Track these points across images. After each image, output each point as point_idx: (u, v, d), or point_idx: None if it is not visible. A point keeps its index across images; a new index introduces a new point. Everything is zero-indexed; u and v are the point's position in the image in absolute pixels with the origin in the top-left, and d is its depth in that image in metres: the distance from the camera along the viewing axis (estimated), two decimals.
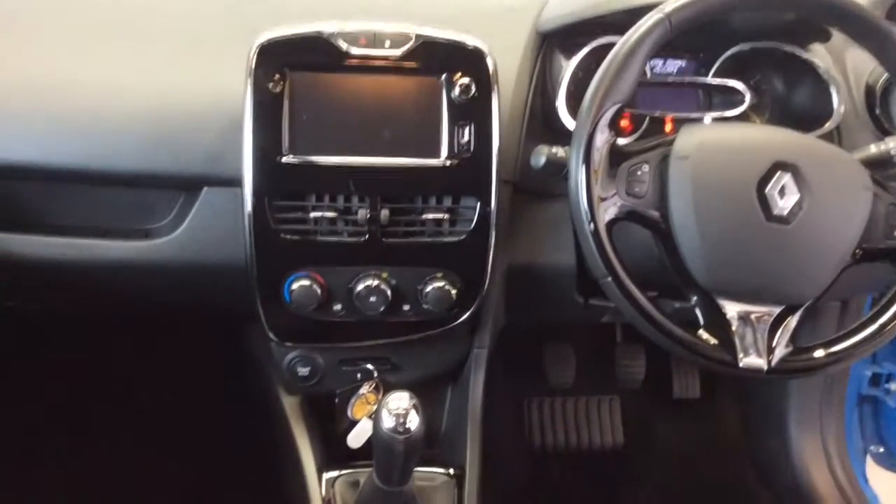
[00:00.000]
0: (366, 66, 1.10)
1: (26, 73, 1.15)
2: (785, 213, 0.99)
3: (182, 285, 1.25)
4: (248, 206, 1.09)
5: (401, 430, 0.96)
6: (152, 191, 1.18)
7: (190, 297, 1.30)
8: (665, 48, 1.04)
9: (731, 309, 1.00)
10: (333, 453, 1.28)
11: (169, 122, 1.13)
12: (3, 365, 1.72)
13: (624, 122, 1.25)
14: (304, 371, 1.26)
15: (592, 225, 0.99)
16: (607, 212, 1.00)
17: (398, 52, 1.10)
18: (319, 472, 1.23)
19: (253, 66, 1.07)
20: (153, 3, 1.25)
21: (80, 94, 1.14)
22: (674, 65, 1.32)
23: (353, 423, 1.25)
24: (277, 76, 1.07)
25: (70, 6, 1.23)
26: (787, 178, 0.99)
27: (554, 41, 1.26)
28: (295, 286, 1.13)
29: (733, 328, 1.00)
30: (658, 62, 1.31)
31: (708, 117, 1.27)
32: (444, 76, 1.11)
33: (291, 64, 1.08)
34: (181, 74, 1.16)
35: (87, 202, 1.18)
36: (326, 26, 1.09)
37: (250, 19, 1.19)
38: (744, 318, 1.00)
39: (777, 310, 1.01)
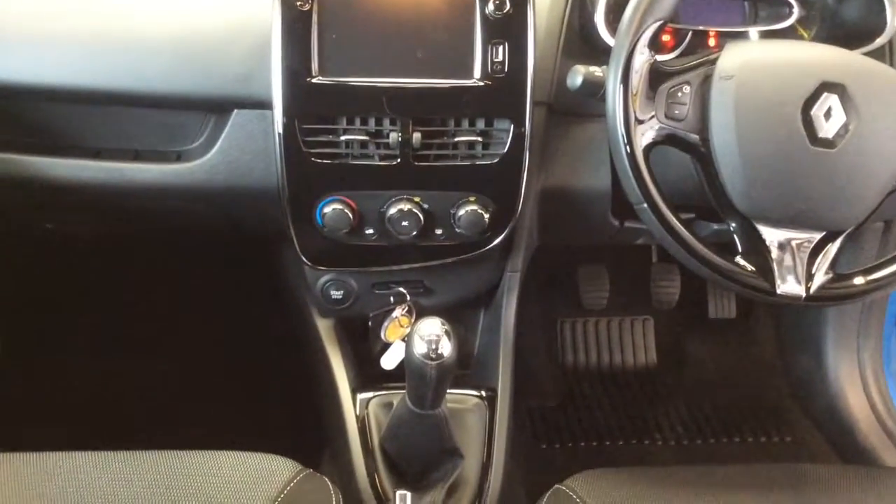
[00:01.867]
0: None
1: None
2: (830, 136, 0.95)
3: (215, 208, 1.25)
4: (279, 129, 1.08)
5: (433, 356, 0.96)
6: (183, 113, 1.17)
7: (223, 220, 1.31)
8: None
9: (771, 235, 0.98)
10: (367, 375, 1.30)
11: (197, 42, 1.11)
12: (45, 286, 1.76)
13: (665, 38, 1.20)
14: (337, 294, 1.26)
15: (629, 149, 0.97)
16: (645, 135, 0.97)
17: None
18: (353, 393, 1.24)
19: None
20: None
21: (106, 14, 1.12)
22: None
23: (387, 345, 1.27)
24: None
25: None
26: (833, 100, 0.95)
27: None
28: (327, 210, 1.13)
29: (772, 255, 0.98)
30: None
31: (754, 31, 1.22)
32: None
33: None
34: None
35: (118, 125, 1.18)
36: None
37: None
38: (783, 244, 0.98)
39: (818, 236, 0.98)
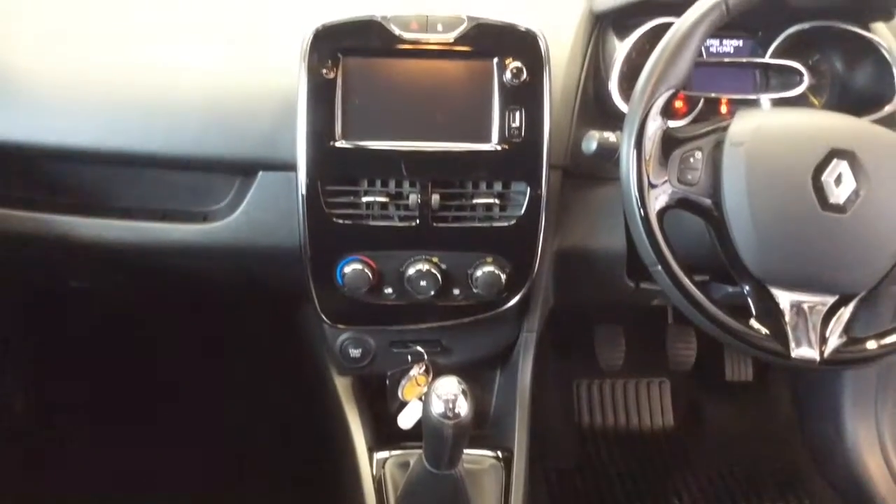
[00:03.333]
0: (418, 51, 1.10)
1: (90, 61, 1.19)
2: (841, 201, 0.97)
3: (238, 267, 1.28)
4: (302, 190, 1.11)
5: (450, 415, 0.97)
6: (210, 174, 1.20)
7: (245, 279, 1.34)
8: (721, 28, 1.03)
9: (784, 298, 0.99)
10: (384, 434, 1.30)
11: (225, 108, 1.16)
12: (68, 341, 1.78)
13: (678, 104, 1.23)
14: (355, 352, 1.28)
15: (643, 212, 0.99)
16: (658, 199, 0.99)
17: (450, 36, 1.10)
18: (370, 452, 1.25)
19: (307, 51, 1.08)
20: None
21: (140, 80, 1.17)
22: (730, 44, 1.29)
23: (404, 404, 1.27)
24: (331, 61, 1.09)
25: (133, 2, 1.26)
26: (843, 166, 0.97)
27: (607, 22, 1.25)
28: (347, 269, 1.15)
29: (786, 318, 0.99)
30: (714, 42, 1.29)
31: (765, 98, 1.25)
32: (496, 59, 1.11)
33: (344, 49, 1.09)
34: (237, 61, 1.18)
35: (147, 186, 1.22)
36: (379, 11, 1.10)
37: (302, 7, 1.20)
38: (796, 307, 0.99)
39: (831, 300, 0.99)
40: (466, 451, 1.07)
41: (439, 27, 1.10)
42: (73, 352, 1.80)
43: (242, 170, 1.18)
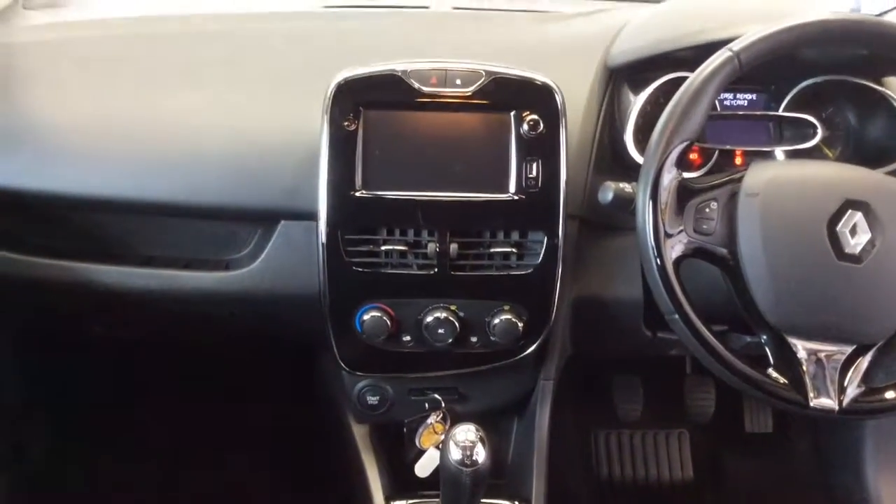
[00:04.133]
0: (437, 104, 1.13)
1: (116, 113, 1.22)
2: (856, 251, 0.98)
3: (259, 314, 1.29)
4: (323, 239, 1.13)
5: (467, 462, 0.97)
6: (233, 223, 1.23)
7: (266, 326, 1.35)
8: (735, 82, 1.05)
9: (802, 348, 0.99)
10: (401, 481, 1.30)
11: (249, 159, 1.19)
12: (92, 389, 1.80)
13: (693, 156, 1.25)
14: (373, 400, 1.28)
15: (659, 261, 1.00)
16: (674, 249, 1.00)
17: (469, 89, 1.12)
18: (388, 500, 1.25)
19: (330, 104, 1.11)
20: (234, 48, 1.32)
21: (165, 132, 1.20)
22: (744, 98, 1.31)
23: (421, 452, 1.27)
24: (352, 114, 1.11)
25: (159, 54, 1.30)
26: (858, 217, 0.98)
27: (622, 75, 1.27)
28: (366, 317, 1.16)
29: (803, 367, 0.99)
30: (728, 95, 1.31)
31: (779, 151, 1.26)
32: (513, 112, 1.13)
33: (366, 102, 1.12)
34: (260, 114, 1.22)
35: (171, 234, 1.25)
36: (399, 65, 1.13)
37: (323, 61, 1.23)
38: (814, 357, 0.99)
39: (848, 349, 0.99)
40: (483, 500, 1.07)
41: (458, 81, 1.12)
42: (93, 397, 1.81)
43: (264, 219, 1.21)
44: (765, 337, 1.02)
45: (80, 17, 1.45)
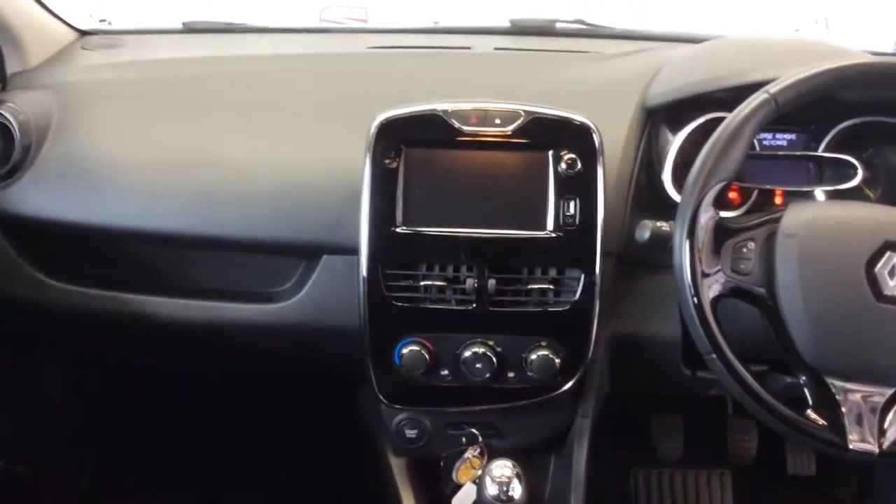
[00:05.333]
0: (476, 142, 1.15)
1: (168, 151, 1.27)
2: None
3: (300, 346, 1.32)
4: (364, 273, 1.15)
5: (504, 497, 0.98)
6: (277, 257, 1.27)
7: (306, 358, 1.38)
8: (774, 122, 1.05)
9: (841, 389, 0.98)
10: None
11: (294, 195, 1.22)
12: (135, 417, 1.84)
13: (732, 195, 1.25)
14: (411, 433, 1.29)
15: (696, 300, 1.00)
16: (711, 288, 1.01)
17: (508, 129, 1.15)
18: None
19: (372, 142, 1.14)
20: (282, 88, 1.37)
21: (214, 169, 1.25)
22: (783, 138, 1.31)
23: (458, 486, 1.27)
24: (394, 152, 1.14)
25: (210, 94, 1.36)
26: None
27: (660, 115, 1.29)
28: (405, 351, 1.18)
29: (843, 409, 0.98)
30: (767, 135, 1.31)
31: (819, 191, 1.25)
32: (551, 151, 1.15)
33: (407, 140, 1.15)
34: (305, 151, 1.26)
35: (218, 268, 1.29)
36: (440, 105, 1.15)
37: (367, 101, 1.25)
38: (854, 398, 0.98)
39: (889, 391, 0.98)
40: None
41: (497, 121, 1.15)
42: (141, 424, 1.85)
43: (308, 253, 1.24)
44: (803, 378, 1.02)
45: (136, 57, 1.51)
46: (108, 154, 1.28)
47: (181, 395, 1.84)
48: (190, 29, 1.65)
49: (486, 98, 1.18)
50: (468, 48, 1.54)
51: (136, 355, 1.55)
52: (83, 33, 1.58)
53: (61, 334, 1.45)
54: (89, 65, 1.47)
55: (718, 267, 1.01)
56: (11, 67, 1.39)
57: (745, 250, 1.02)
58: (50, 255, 1.30)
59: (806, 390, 1.02)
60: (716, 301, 1.01)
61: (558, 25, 1.66)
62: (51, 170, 1.26)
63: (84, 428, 1.76)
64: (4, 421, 1.59)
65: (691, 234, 1.01)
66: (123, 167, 1.26)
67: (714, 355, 1.01)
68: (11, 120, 1.24)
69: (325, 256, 1.22)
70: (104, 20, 1.70)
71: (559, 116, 1.16)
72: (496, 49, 1.55)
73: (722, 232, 1.03)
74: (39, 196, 1.25)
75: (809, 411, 1.00)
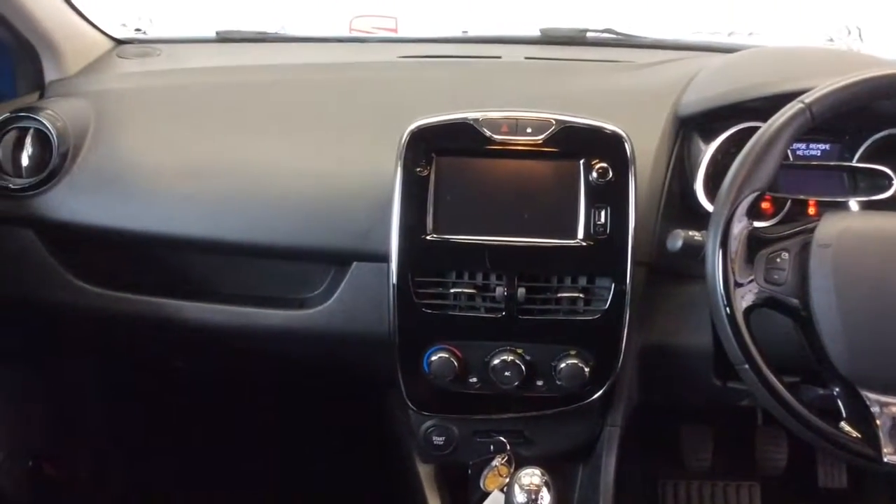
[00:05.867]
0: (507, 151, 1.15)
1: (202, 159, 1.29)
2: None
3: (329, 352, 1.33)
4: (394, 280, 1.16)
5: None
6: (307, 264, 1.28)
7: (335, 364, 1.39)
8: (808, 132, 1.05)
9: (876, 401, 0.97)
10: None
11: (324, 202, 1.24)
12: (163, 423, 1.86)
13: (765, 205, 1.24)
14: (439, 440, 1.29)
15: (729, 310, 0.99)
16: (744, 298, 1.00)
17: (539, 138, 1.15)
18: None
19: (404, 150, 1.15)
20: (314, 96, 1.38)
21: (246, 176, 1.27)
22: (818, 148, 1.30)
23: (485, 494, 1.27)
24: (425, 160, 1.15)
25: (242, 102, 1.37)
26: None
27: (693, 125, 1.28)
28: (434, 358, 1.18)
29: (878, 422, 0.97)
30: (801, 145, 1.30)
31: (853, 201, 1.24)
32: (582, 160, 1.15)
33: (438, 149, 1.15)
34: (336, 159, 1.27)
35: (249, 273, 1.30)
36: (471, 114, 1.16)
37: (398, 109, 1.27)
38: (889, 411, 0.97)
39: None
40: None
41: (528, 130, 1.15)
42: (166, 434, 1.87)
43: (338, 260, 1.25)
44: (837, 389, 1.01)
45: (170, 66, 1.54)
46: (143, 161, 1.30)
47: (210, 399, 1.86)
48: (223, 38, 1.67)
49: (517, 107, 1.18)
50: (498, 57, 1.54)
51: (167, 359, 1.57)
52: (119, 42, 1.61)
53: (94, 337, 1.47)
54: (125, 73, 1.50)
55: (751, 277, 1.01)
56: (50, 75, 1.41)
57: (778, 260, 1.01)
58: (84, 259, 1.32)
59: (839, 402, 1.01)
60: (749, 311, 1.00)
61: (588, 35, 1.66)
62: (87, 176, 1.28)
63: (115, 430, 1.78)
64: (35, 422, 1.61)
65: (724, 244, 1.00)
66: (158, 174, 1.28)
67: (747, 366, 1.00)
68: (49, 127, 1.26)
69: (355, 263, 1.23)
70: (139, 29, 1.72)
71: (590, 125, 1.16)
72: (526, 58, 1.55)
73: (755, 242, 1.02)
74: (75, 202, 1.27)
75: (843, 423, 0.99)
